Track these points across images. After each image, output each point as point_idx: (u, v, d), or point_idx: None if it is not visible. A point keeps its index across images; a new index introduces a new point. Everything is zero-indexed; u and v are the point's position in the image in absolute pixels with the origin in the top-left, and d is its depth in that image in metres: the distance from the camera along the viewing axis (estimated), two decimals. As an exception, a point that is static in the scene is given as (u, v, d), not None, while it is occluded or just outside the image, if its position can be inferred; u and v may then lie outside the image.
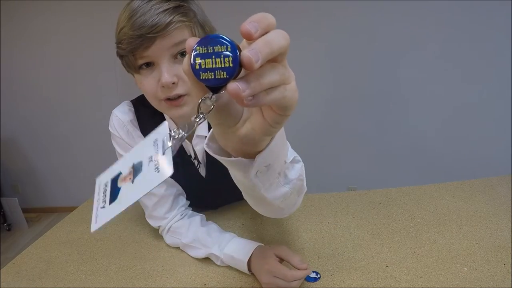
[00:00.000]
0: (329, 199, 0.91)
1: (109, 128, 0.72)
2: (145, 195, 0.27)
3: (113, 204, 0.29)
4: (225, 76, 0.23)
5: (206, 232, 0.70)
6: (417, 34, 2.12)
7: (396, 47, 2.18)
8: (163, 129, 0.29)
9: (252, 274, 0.63)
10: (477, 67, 2.12)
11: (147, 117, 0.71)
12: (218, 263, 0.67)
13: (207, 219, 0.78)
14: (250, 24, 0.23)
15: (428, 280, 0.59)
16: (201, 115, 0.27)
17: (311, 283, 0.61)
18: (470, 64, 2.12)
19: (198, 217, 0.75)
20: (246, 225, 0.82)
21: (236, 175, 0.38)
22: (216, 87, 0.25)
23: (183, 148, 0.73)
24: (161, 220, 0.75)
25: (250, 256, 0.62)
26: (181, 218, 0.76)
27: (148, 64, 0.56)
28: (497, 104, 2.16)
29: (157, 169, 0.27)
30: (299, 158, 0.49)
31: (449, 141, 2.30)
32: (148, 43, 0.52)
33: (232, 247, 0.65)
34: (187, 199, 0.80)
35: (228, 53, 0.23)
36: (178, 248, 0.75)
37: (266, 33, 0.24)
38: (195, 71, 0.24)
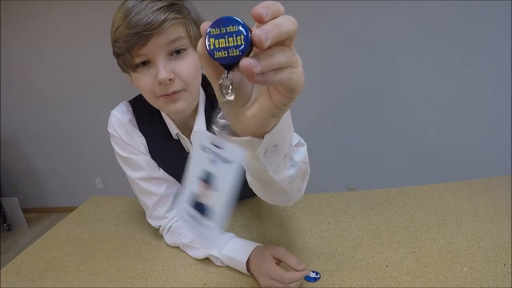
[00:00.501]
0: (329, 199, 0.91)
1: (108, 129, 0.72)
2: (232, 185, 0.28)
3: (214, 217, 0.30)
4: (237, 53, 0.25)
5: None
6: (418, 33, 2.12)
7: (396, 47, 2.18)
8: (200, 136, 0.31)
9: (252, 274, 0.63)
10: (477, 67, 2.12)
11: (145, 116, 0.72)
12: (218, 263, 0.67)
13: None
14: (262, 8, 0.24)
15: (428, 280, 0.59)
16: (229, 92, 0.29)
17: (311, 283, 0.61)
18: (470, 64, 2.12)
19: None
20: (246, 225, 0.82)
21: (246, 158, 0.39)
22: (230, 64, 0.26)
23: (181, 144, 0.73)
24: (161, 219, 0.76)
25: (249, 257, 0.62)
26: None
27: (145, 63, 0.57)
28: (497, 104, 2.16)
29: (226, 160, 0.28)
30: (303, 141, 0.50)
31: (449, 141, 2.30)
32: (144, 40, 0.53)
33: (230, 248, 0.65)
34: None
35: (240, 32, 0.25)
36: (178, 248, 0.75)
37: (276, 17, 0.25)
38: (210, 52, 0.26)
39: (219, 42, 0.25)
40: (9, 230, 2.70)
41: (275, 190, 0.47)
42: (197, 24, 0.59)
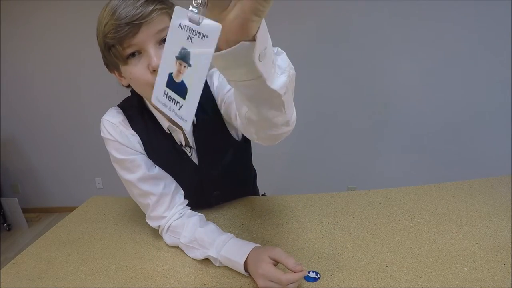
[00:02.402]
0: (329, 199, 0.91)
1: (102, 135, 0.73)
2: (207, 63, 0.27)
3: (188, 95, 0.29)
4: None
5: (204, 233, 0.70)
6: (419, 33, 2.12)
7: (397, 47, 2.18)
8: (179, 12, 0.30)
9: (250, 275, 0.63)
10: (478, 67, 2.12)
11: (135, 115, 0.73)
12: (217, 264, 0.67)
13: (207, 219, 0.78)
14: None
15: (428, 280, 0.59)
16: None
17: (311, 283, 0.61)
18: (470, 64, 2.13)
19: (197, 217, 0.75)
20: (246, 225, 0.82)
21: (241, 73, 0.39)
22: None
23: (173, 138, 0.74)
24: (160, 219, 0.76)
25: (246, 258, 0.62)
26: (180, 217, 0.76)
27: (134, 54, 0.59)
28: (497, 104, 2.16)
29: (203, 35, 0.28)
30: (280, 50, 0.49)
31: (449, 141, 2.30)
32: (135, 30, 0.56)
33: (228, 249, 0.65)
34: (185, 196, 0.81)
35: None
36: (178, 248, 0.75)
37: None
38: None
39: None
40: (9, 230, 2.70)
41: (273, 105, 0.46)
42: None
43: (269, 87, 0.41)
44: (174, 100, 0.31)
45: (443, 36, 2.10)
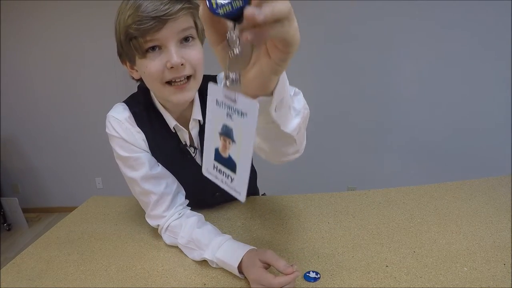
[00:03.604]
0: (329, 199, 0.91)
1: (107, 131, 0.72)
2: (252, 139, 0.29)
3: (238, 169, 0.30)
4: (240, 4, 0.26)
5: (201, 234, 0.70)
6: (420, 33, 2.12)
7: (397, 47, 2.18)
8: (214, 89, 0.32)
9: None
10: (478, 67, 2.12)
11: (142, 112, 0.73)
12: (214, 266, 0.67)
13: (207, 219, 0.78)
14: None
15: (428, 280, 0.59)
16: (236, 47, 0.30)
17: (311, 283, 0.61)
18: (471, 64, 2.13)
19: (195, 218, 0.75)
20: (246, 225, 0.82)
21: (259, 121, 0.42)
22: (235, 17, 0.27)
23: (178, 137, 0.74)
24: (159, 219, 0.76)
25: (240, 262, 0.61)
26: (179, 217, 0.76)
27: (154, 49, 0.59)
28: (497, 104, 2.16)
29: (241, 113, 0.29)
30: (298, 90, 0.53)
31: (449, 141, 2.30)
32: (161, 24, 0.56)
33: (223, 251, 0.65)
34: (186, 196, 0.80)
35: None
36: (178, 248, 0.75)
37: None
38: (213, 10, 0.28)
39: None
40: (9, 230, 2.70)
41: (285, 143, 0.50)
42: None
43: (283, 131, 0.44)
44: (225, 173, 0.32)
45: (443, 37, 2.10)
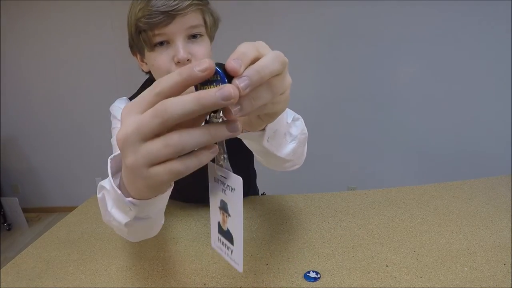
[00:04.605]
0: (329, 199, 0.91)
1: (110, 109, 0.74)
2: (241, 211, 0.31)
3: (234, 241, 0.33)
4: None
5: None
6: (419, 33, 2.12)
7: (396, 47, 2.18)
8: (211, 167, 0.34)
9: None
10: (478, 67, 2.12)
11: None
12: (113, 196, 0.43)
13: (207, 217, 0.78)
14: (234, 61, 0.24)
15: (428, 280, 0.59)
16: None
17: (311, 283, 0.61)
18: (470, 64, 2.13)
19: None
20: (246, 225, 0.82)
21: (250, 144, 0.45)
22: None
23: None
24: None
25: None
26: None
27: (162, 43, 0.60)
28: (497, 104, 2.16)
29: (231, 188, 0.31)
30: (298, 115, 0.53)
31: (449, 141, 2.30)
32: (169, 19, 0.57)
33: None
34: (180, 191, 0.67)
35: (219, 81, 0.25)
36: (178, 248, 0.75)
37: (257, 59, 0.25)
38: None
39: (203, 88, 0.26)
40: (9, 230, 2.70)
41: (280, 161, 0.52)
42: (213, 15, 0.65)
43: (276, 155, 0.46)
44: (226, 246, 0.34)
45: (443, 37, 2.10)
